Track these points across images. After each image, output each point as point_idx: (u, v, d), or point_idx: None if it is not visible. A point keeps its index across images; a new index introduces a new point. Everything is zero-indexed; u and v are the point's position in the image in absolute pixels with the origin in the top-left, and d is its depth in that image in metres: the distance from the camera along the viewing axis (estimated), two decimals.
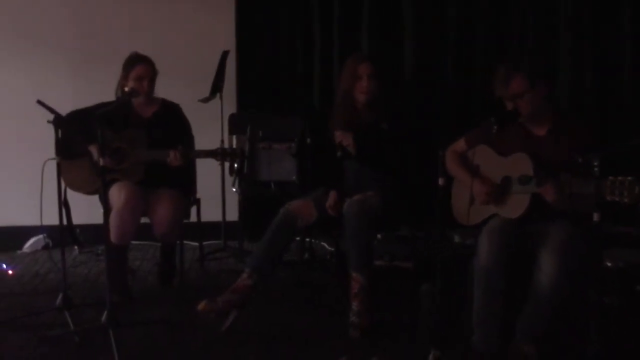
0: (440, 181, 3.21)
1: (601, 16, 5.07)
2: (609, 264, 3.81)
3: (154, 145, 4.09)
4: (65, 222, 3.93)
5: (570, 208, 3.03)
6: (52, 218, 3.88)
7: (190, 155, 4.12)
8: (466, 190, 3.40)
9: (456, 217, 3.60)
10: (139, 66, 4.18)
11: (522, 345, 3.13)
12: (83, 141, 4.10)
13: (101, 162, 3.38)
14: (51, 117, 3.65)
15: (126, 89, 4.16)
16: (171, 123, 4.30)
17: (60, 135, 3.68)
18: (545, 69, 3.47)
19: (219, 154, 4.05)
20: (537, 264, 3.06)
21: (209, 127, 4.99)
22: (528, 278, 3.11)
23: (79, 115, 4.15)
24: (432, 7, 5.33)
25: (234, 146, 4.98)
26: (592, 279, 2.93)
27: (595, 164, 2.68)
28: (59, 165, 3.72)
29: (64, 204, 3.92)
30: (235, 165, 4.81)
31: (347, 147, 3.81)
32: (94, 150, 4.09)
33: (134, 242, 4.38)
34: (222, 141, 5.01)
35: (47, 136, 3.69)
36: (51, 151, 3.70)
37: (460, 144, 3.63)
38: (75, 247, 5.24)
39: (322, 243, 5.39)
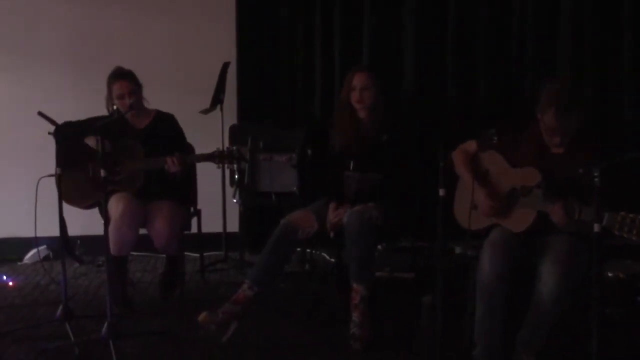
0: (441, 192, 3.21)
1: (601, 23, 5.12)
2: (609, 275, 3.81)
3: (150, 155, 4.10)
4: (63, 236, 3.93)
5: (577, 231, 3.02)
6: (53, 229, 3.88)
7: (188, 160, 4.12)
8: (470, 194, 3.38)
9: (457, 220, 3.57)
10: (116, 85, 4.20)
11: (523, 356, 3.13)
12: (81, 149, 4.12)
13: (102, 173, 3.39)
14: (51, 129, 3.67)
15: (114, 106, 4.20)
16: (165, 133, 4.31)
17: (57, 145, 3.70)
18: (581, 100, 3.28)
19: (216, 157, 4.05)
20: (538, 275, 3.05)
21: (210, 139, 4.99)
22: (530, 290, 3.10)
23: (71, 127, 4.16)
24: (433, 15, 5.36)
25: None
26: (593, 289, 2.92)
27: (596, 174, 2.67)
28: (59, 176, 3.72)
29: (60, 220, 3.90)
30: (236, 176, 4.81)
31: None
32: (90, 141, 4.12)
33: (134, 253, 4.38)
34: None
35: (47, 147, 3.70)
36: (50, 163, 3.71)
37: (472, 145, 3.55)
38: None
39: (323, 254, 5.38)
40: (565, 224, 2.99)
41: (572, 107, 3.15)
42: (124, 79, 4.21)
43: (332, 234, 3.84)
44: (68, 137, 3.89)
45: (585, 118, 3.22)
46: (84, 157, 4.15)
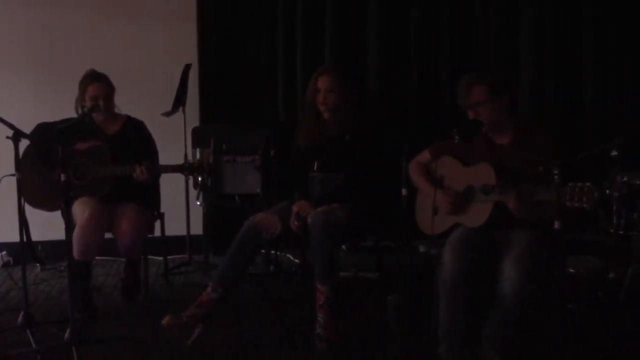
0: (404, 192, 3.22)
1: (562, 21, 5.21)
2: (571, 271, 3.86)
3: (118, 161, 4.06)
4: (25, 239, 3.87)
5: (533, 216, 3.06)
6: (12, 235, 3.82)
7: (157, 170, 4.09)
8: (429, 201, 3.42)
9: (421, 228, 3.61)
10: (92, 86, 4.15)
11: (489, 352, 3.15)
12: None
13: (62, 177, 3.34)
14: (9, 133, 3.62)
15: (86, 108, 4.14)
16: (135, 139, 4.27)
17: (37, 147, 3.72)
18: (507, 80, 3.54)
19: (186, 169, 4.03)
20: (501, 271, 3.07)
21: (173, 141, 4.96)
22: (493, 286, 3.12)
23: (47, 128, 4.10)
24: (396, 17, 5.39)
25: (198, 159, 4.96)
26: (555, 285, 2.96)
27: (556, 172, 2.71)
28: (19, 182, 3.67)
29: (22, 221, 3.84)
30: (200, 179, 4.79)
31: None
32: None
33: (97, 257, 4.33)
34: (186, 155, 4.99)
35: (7, 152, 3.64)
36: (10, 167, 3.65)
37: (425, 156, 3.63)
38: (37, 264, 5.17)
39: (288, 255, 5.38)
40: (521, 209, 3.04)
41: (472, 79, 3.33)
42: (100, 81, 4.17)
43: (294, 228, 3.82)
44: (43, 140, 3.85)
45: (505, 95, 3.32)
46: (52, 160, 4.08)
